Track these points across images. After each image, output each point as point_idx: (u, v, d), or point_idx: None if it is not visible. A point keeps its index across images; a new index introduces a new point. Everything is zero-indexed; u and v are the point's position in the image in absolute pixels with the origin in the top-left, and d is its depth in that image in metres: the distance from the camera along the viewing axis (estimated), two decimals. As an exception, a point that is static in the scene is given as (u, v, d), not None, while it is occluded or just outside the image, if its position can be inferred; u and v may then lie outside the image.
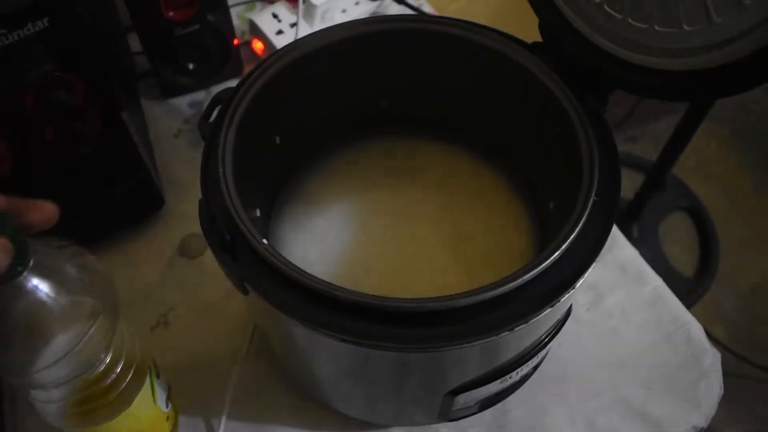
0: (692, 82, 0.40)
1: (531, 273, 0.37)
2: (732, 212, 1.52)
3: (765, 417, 1.27)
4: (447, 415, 0.48)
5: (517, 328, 0.36)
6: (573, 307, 0.59)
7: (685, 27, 0.39)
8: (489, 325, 0.36)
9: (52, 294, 0.35)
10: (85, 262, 0.39)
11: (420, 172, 0.56)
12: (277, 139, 0.52)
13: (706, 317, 1.36)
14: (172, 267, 0.64)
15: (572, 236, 0.38)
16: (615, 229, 0.66)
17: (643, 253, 1.40)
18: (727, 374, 1.32)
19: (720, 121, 1.67)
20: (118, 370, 0.42)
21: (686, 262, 1.44)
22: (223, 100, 0.47)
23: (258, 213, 0.50)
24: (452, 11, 1.03)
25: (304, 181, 0.55)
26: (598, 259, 0.62)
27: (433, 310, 0.35)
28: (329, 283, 0.36)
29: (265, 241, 0.39)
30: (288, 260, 0.37)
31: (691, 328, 0.60)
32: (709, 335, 1.29)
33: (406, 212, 0.54)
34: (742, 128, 1.67)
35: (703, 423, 0.56)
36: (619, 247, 0.64)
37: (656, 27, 0.41)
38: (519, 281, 0.36)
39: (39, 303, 0.35)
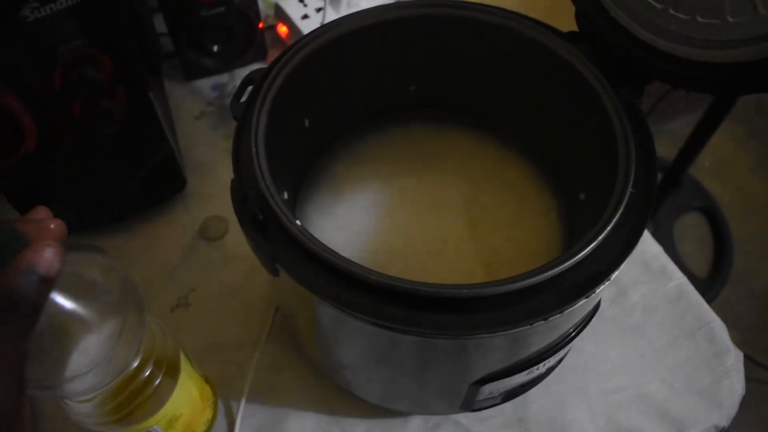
0: (735, 75, 0.39)
1: (567, 263, 0.36)
2: (747, 213, 1.51)
3: (775, 421, 1.27)
4: (470, 405, 0.47)
5: (551, 318, 0.36)
6: (596, 301, 0.59)
7: (729, 18, 0.38)
8: (523, 314, 0.36)
9: (80, 302, 0.34)
10: (107, 264, 0.38)
11: (447, 159, 0.56)
12: (307, 122, 0.51)
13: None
14: (192, 249, 0.64)
15: (608, 228, 0.38)
16: (639, 224, 0.65)
17: (657, 252, 1.39)
18: (738, 376, 1.31)
19: (737, 122, 1.65)
20: (150, 368, 0.42)
21: (700, 263, 1.44)
22: (254, 80, 0.46)
23: (286, 195, 0.50)
24: None
25: (330, 166, 0.55)
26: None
27: (468, 296, 0.35)
28: (363, 267, 0.36)
29: (298, 222, 0.38)
30: (319, 240, 0.37)
31: (714, 327, 0.60)
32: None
33: (432, 199, 0.53)
34: (760, 129, 1.66)
35: (724, 422, 0.56)
36: (643, 243, 0.63)
37: (699, 18, 0.40)
38: (555, 271, 0.36)
39: (69, 312, 0.34)
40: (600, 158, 0.44)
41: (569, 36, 0.48)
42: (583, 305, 0.38)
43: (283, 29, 0.77)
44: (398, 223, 0.52)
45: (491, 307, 0.35)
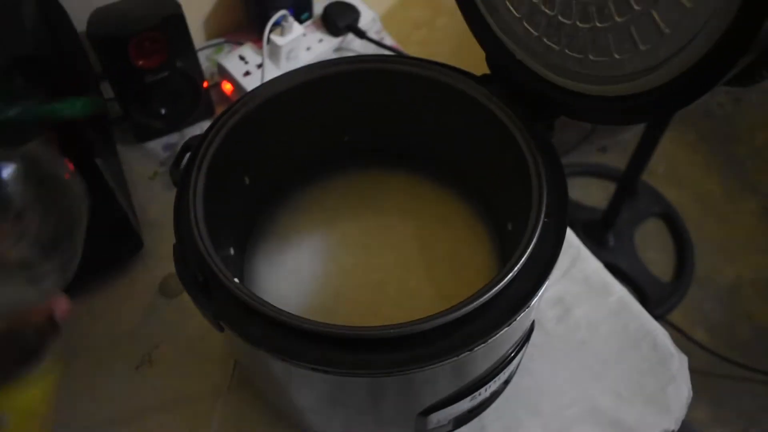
0: (627, 106, 0.43)
1: (487, 295, 0.39)
2: (704, 215, 1.56)
3: (751, 415, 1.29)
4: (423, 434, 0.50)
5: (476, 348, 0.38)
6: (542, 321, 0.61)
7: (616, 56, 0.42)
8: (451, 346, 0.38)
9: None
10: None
11: (386, 201, 0.59)
12: (247, 180, 0.54)
13: (687, 320, 1.39)
14: (153, 306, 0.66)
15: (524, 257, 0.41)
16: (578, 243, 0.68)
17: (619, 261, 1.44)
18: (711, 375, 1.36)
19: (686, 127, 1.71)
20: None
21: (663, 267, 1.47)
22: (192, 147, 0.49)
23: (232, 251, 0.52)
24: (415, 41, 1.06)
25: (275, 218, 0.58)
26: (563, 273, 0.64)
27: (396, 335, 0.37)
28: (296, 316, 0.38)
29: (236, 279, 0.41)
30: (257, 296, 0.39)
31: (656, 335, 0.62)
32: (690, 338, 1.33)
33: (374, 241, 0.56)
34: (708, 133, 1.72)
35: (673, 426, 0.58)
36: (582, 261, 0.67)
37: (591, 57, 0.44)
38: (476, 303, 0.38)
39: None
40: (520, 190, 0.47)
41: (483, 78, 0.51)
42: (510, 331, 0.41)
43: (227, 86, 0.80)
44: (343, 266, 0.55)
45: (420, 343, 0.38)
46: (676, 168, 1.65)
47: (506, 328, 0.39)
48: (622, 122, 0.44)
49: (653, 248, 1.50)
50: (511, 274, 0.40)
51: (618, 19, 0.41)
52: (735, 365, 1.33)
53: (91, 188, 0.61)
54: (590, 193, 1.57)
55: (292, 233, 0.57)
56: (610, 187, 1.43)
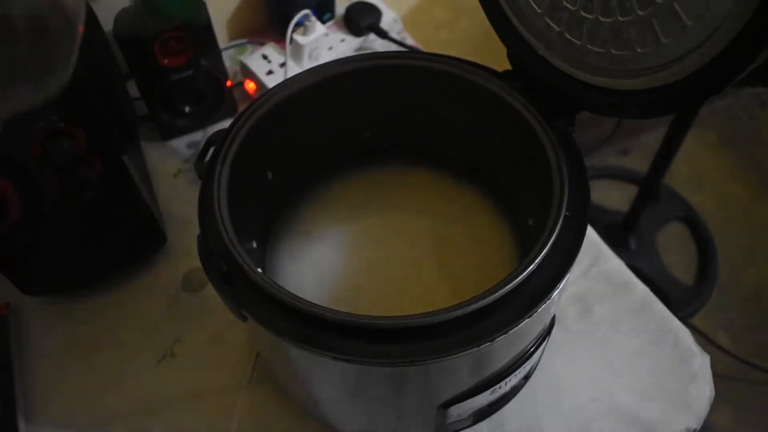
0: (649, 100, 0.43)
1: (508, 286, 0.39)
2: (727, 219, 1.54)
3: (773, 421, 1.28)
4: (443, 428, 0.50)
5: (497, 339, 0.39)
6: (562, 318, 0.61)
7: (638, 49, 0.42)
8: (471, 337, 0.38)
9: None
10: None
11: (406, 197, 0.59)
12: (270, 175, 0.55)
13: (710, 324, 1.37)
14: (176, 301, 0.67)
15: (545, 249, 0.41)
16: (600, 241, 0.68)
17: (641, 264, 1.43)
18: (734, 379, 1.34)
19: (709, 130, 1.70)
20: None
21: (686, 271, 1.46)
22: (216, 141, 0.50)
23: (254, 245, 0.53)
24: (436, 42, 1.06)
25: (297, 213, 0.58)
26: (584, 271, 0.64)
27: (417, 325, 0.38)
28: (318, 305, 0.39)
29: (259, 270, 0.41)
30: (280, 285, 0.40)
31: (678, 333, 0.62)
32: (713, 342, 1.32)
33: (394, 236, 0.57)
34: (731, 136, 1.70)
35: (695, 425, 0.58)
36: (604, 259, 0.66)
37: (612, 51, 0.44)
38: (497, 295, 0.39)
39: None
40: (541, 186, 0.47)
41: (504, 75, 0.51)
42: (530, 324, 0.41)
43: (250, 85, 0.81)
44: (364, 260, 0.55)
45: (440, 333, 0.38)
46: (698, 171, 1.63)
47: (526, 320, 0.39)
48: (641, 116, 0.44)
49: (675, 252, 1.49)
50: (532, 266, 0.40)
51: (640, 13, 0.41)
52: (758, 369, 1.31)
53: (117, 187, 0.62)
54: (611, 196, 1.56)
55: (314, 228, 0.57)
56: (632, 190, 1.42)
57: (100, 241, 0.65)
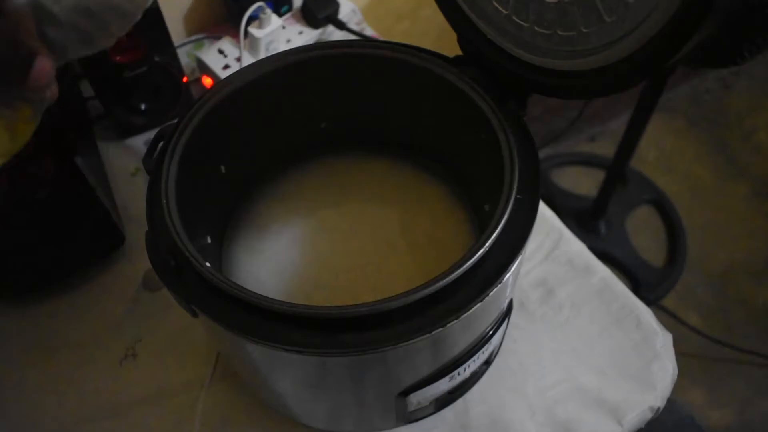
0: (596, 80, 0.43)
1: (458, 271, 0.39)
2: (695, 200, 1.56)
3: (747, 397, 1.30)
4: (405, 417, 0.50)
5: (449, 325, 0.38)
6: (525, 302, 0.62)
7: (583, 29, 0.42)
8: (423, 323, 0.38)
9: None
10: None
11: (365, 187, 0.58)
12: (223, 168, 0.54)
13: (680, 305, 1.39)
14: (137, 300, 0.66)
15: (495, 233, 0.40)
16: (561, 225, 0.68)
17: (612, 248, 1.44)
18: (706, 359, 1.36)
19: (675, 113, 1.71)
20: None
21: (656, 253, 1.48)
22: (165, 135, 0.49)
23: (209, 240, 0.52)
24: (397, 32, 1.06)
25: (253, 206, 0.58)
26: (546, 255, 0.65)
27: (367, 314, 0.37)
28: (267, 297, 0.38)
29: (207, 264, 0.41)
30: (228, 279, 0.39)
31: (640, 313, 0.62)
32: (684, 322, 1.33)
33: (353, 227, 0.56)
34: (698, 119, 1.72)
35: (659, 403, 0.58)
36: (565, 242, 0.67)
37: (559, 32, 0.44)
38: (446, 280, 0.38)
39: None
40: (494, 170, 0.47)
41: (455, 60, 0.51)
42: (484, 309, 0.41)
43: (207, 81, 0.80)
44: (321, 252, 0.55)
45: (391, 321, 0.38)
46: (666, 155, 1.65)
47: (478, 304, 0.39)
48: (588, 96, 0.44)
49: (645, 235, 1.50)
50: (481, 251, 0.40)
51: (583, -8, 0.41)
52: (729, 348, 1.33)
53: (71, 186, 0.61)
54: (581, 183, 1.57)
55: (271, 221, 0.57)
56: (601, 176, 1.43)
57: (56, 242, 0.64)
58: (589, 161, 1.61)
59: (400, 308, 0.38)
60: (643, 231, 1.51)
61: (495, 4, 0.47)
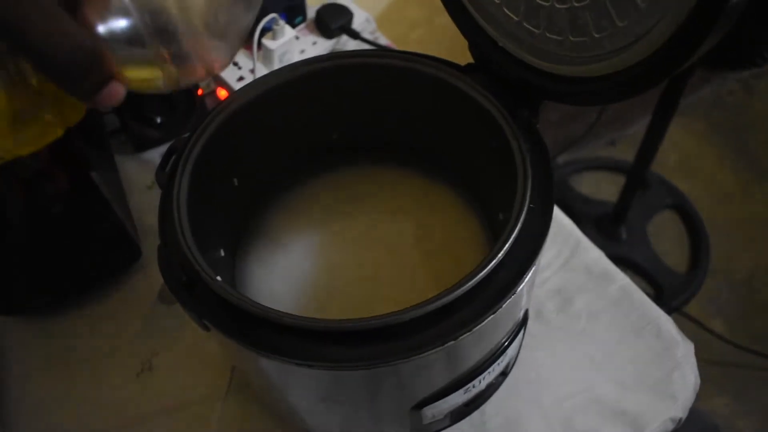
0: (609, 85, 0.42)
1: (470, 282, 0.38)
2: (717, 205, 1.53)
3: (772, 405, 1.27)
4: (420, 430, 0.49)
5: (462, 337, 0.38)
6: (542, 312, 0.61)
7: (595, 34, 0.41)
8: (434, 336, 0.38)
9: None
10: None
11: (377, 197, 0.58)
12: (235, 181, 0.54)
13: (704, 311, 1.37)
14: (153, 314, 0.66)
15: (508, 244, 0.40)
16: (579, 232, 0.67)
17: (633, 254, 1.43)
18: (731, 366, 1.33)
19: (696, 117, 1.69)
20: None
21: (678, 259, 1.45)
22: (177, 149, 0.49)
23: (222, 253, 0.52)
24: (411, 40, 1.06)
25: (266, 218, 0.57)
26: (563, 264, 0.64)
27: (376, 327, 0.37)
28: (276, 311, 0.38)
29: (219, 278, 0.41)
30: (239, 293, 0.39)
31: (660, 322, 0.61)
32: (708, 329, 1.31)
33: (366, 238, 0.56)
34: (719, 122, 1.70)
35: (680, 414, 0.57)
36: (583, 250, 0.66)
37: (570, 38, 0.43)
38: (459, 292, 0.38)
39: None
40: (507, 179, 0.47)
41: (466, 68, 0.51)
42: (498, 320, 0.40)
43: (222, 93, 0.80)
44: (335, 263, 0.55)
45: (403, 334, 0.38)
46: (687, 158, 1.63)
47: (492, 316, 0.39)
48: (602, 102, 0.43)
49: (667, 240, 1.48)
50: (494, 262, 0.39)
51: (594, -3, 0.40)
52: (755, 355, 1.30)
53: (86, 201, 0.62)
54: (601, 188, 1.56)
55: (284, 233, 0.57)
56: (621, 181, 1.41)
57: (72, 257, 0.64)
58: (608, 166, 1.59)
59: (411, 320, 0.37)
60: (665, 236, 1.49)
61: (506, 10, 0.47)
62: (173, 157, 0.49)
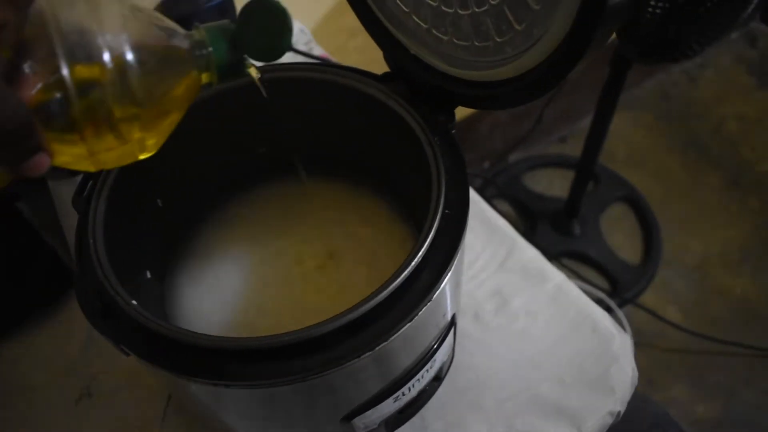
0: (514, 89, 0.42)
1: (385, 292, 0.38)
2: (667, 195, 1.56)
3: (730, 388, 1.29)
4: (356, 440, 0.49)
5: (378, 348, 0.38)
6: (480, 314, 0.61)
7: (497, 39, 0.42)
8: (351, 348, 0.38)
9: None
10: None
11: (306, 211, 0.58)
12: (159, 202, 0.53)
13: (659, 301, 1.39)
14: (91, 339, 0.65)
15: (422, 251, 0.40)
16: (514, 233, 0.68)
17: (587, 248, 1.44)
18: (688, 353, 1.35)
19: (642, 109, 1.72)
20: None
21: (632, 251, 1.48)
22: (93, 174, 0.48)
23: (148, 275, 0.52)
24: (351, 49, 1.06)
25: (195, 236, 0.57)
26: (499, 265, 0.64)
27: (291, 342, 0.37)
28: (191, 332, 0.38)
29: (134, 302, 0.40)
30: (152, 316, 0.39)
31: (596, 318, 0.62)
32: (663, 318, 1.33)
33: (297, 252, 0.56)
34: (666, 113, 1.73)
35: (619, 407, 0.58)
36: (518, 251, 0.66)
37: (476, 43, 0.44)
38: (372, 303, 0.38)
39: None
40: (427, 185, 0.47)
41: (383, 77, 0.51)
42: (418, 327, 0.40)
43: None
44: (266, 280, 0.54)
45: (320, 348, 0.37)
46: (636, 151, 1.65)
47: (409, 324, 0.39)
48: (513, 104, 0.44)
49: (620, 232, 1.50)
50: (407, 270, 0.39)
51: (492, 2, 0.41)
52: (710, 341, 1.32)
53: (13, 232, 0.61)
54: (553, 184, 1.58)
55: (213, 251, 0.56)
56: (572, 177, 1.43)
57: (5, 288, 0.63)
58: (559, 162, 1.61)
59: (326, 334, 0.37)
60: (618, 229, 1.51)
61: (415, 18, 0.47)
62: (90, 183, 0.48)
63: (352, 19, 1.00)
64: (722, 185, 1.58)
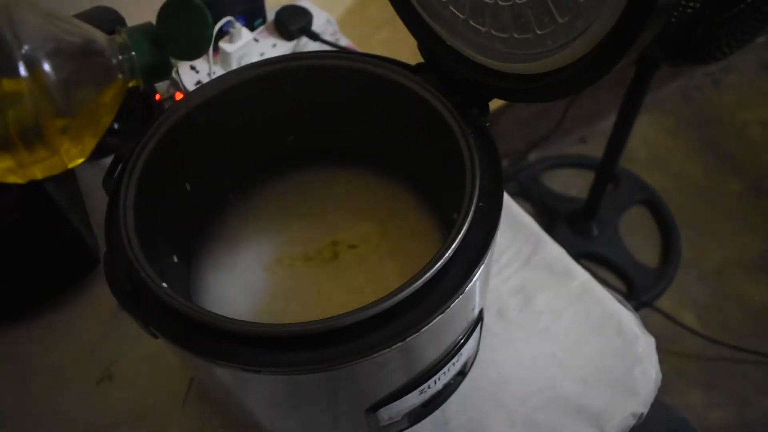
0: (555, 82, 0.42)
1: (417, 283, 0.38)
2: (688, 199, 1.55)
3: (745, 396, 1.28)
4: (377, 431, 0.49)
5: (409, 339, 0.38)
6: (504, 310, 0.61)
7: (538, 31, 0.41)
8: (381, 339, 0.37)
9: None
10: None
11: (335, 200, 0.58)
12: (188, 186, 0.53)
13: (676, 305, 1.38)
14: (113, 321, 0.65)
15: (455, 244, 0.40)
16: (539, 230, 0.68)
17: (605, 250, 1.43)
18: (703, 359, 1.34)
19: (665, 112, 1.71)
20: None
21: (650, 254, 1.46)
22: (125, 156, 0.48)
23: (175, 259, 0.52)
24: (376, 41, 1.06)
25: (221, 223, 0.57)
26: (525, 262, 0.64)
27: (319, 331, 0.37)
28: (220, 316, 0.37)
29: (164, 284, 0.40)
30: (182, 299, 0.39)
31: (621, 318, 0.61)
32: (680, 323, 1.32)
33: (324, 241, 0.55)
34: (688, 116, 1.71)
35: (642, 409, 0.57)
36: (544, 248, 0.66)
37: (515, 35, 0.43)
38: (404, 294, 0.38)
39: None
40: (458, 178, 0.46)
41: (416, 67, 0.50)
42: (448, 320, 0.40)
43: (180, 97, 0.79)
44: (291, 269, 0.54)
45: (348, 338, 0.37)
46: (657, 153, 1.64)
47: (440, 317, 0.38)
48: (550, 98, 0.43)
49: (638, 235, 1.49)
50: (440, 263, 0.39)
51: (534, -7, 0.40)
52: (726, 347, 1.31)
53: (39, 212, 0.61)
54: (572, 184, 1.57)
55: (240, 237, 0.56)
56: (592, 178, 1.42)
57: (29, 268, 0.63)
58: (579, 163, 1.60)
59: (356, 323, 0.37)
60: (637, 231, 1.50)
61: (452, 8, 0.47)
62: (120, 164, 0.48)
63: (376, 11, 1.00)
64: (743, 191, 1.56)
